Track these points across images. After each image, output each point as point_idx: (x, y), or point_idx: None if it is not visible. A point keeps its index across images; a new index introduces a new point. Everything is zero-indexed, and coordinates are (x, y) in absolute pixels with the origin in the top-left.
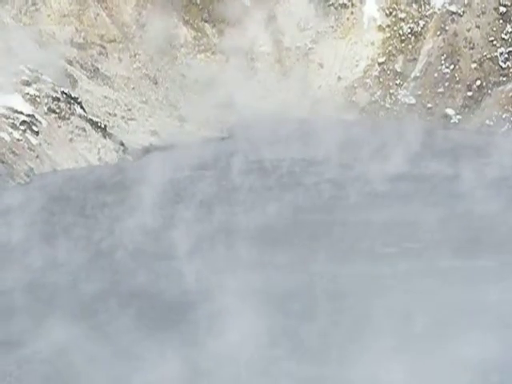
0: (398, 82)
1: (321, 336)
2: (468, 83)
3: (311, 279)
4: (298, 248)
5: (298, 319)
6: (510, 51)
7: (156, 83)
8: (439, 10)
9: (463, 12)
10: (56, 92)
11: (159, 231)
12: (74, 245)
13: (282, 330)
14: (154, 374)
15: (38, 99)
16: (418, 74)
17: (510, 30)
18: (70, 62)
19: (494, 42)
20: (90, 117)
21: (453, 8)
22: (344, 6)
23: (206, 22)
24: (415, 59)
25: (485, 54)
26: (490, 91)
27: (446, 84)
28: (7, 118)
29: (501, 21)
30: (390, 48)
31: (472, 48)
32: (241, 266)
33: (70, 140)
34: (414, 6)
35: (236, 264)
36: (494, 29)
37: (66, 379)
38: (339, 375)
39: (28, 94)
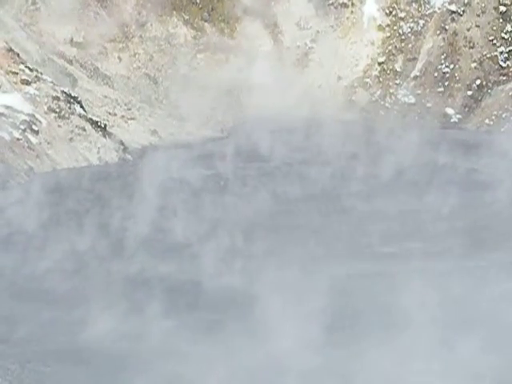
0: (397, 81)
1: (343, 334)
2: (468, 82)
3: (315, 278)
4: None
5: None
6: (509, 50)
7: (156, 83)
8: (439, 9)
9: (463, 11)
10: (56, 91)
11: (164, 223)
12: (88, 234)
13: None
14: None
15: (38, 98)
16: (417, 74)
17: (509, 30)
18: (70, 62)
19: (494, 42)
20: (89, 116)
21: (453, 7)
22: (344, 5)
23: (205, 21)
24: (415, 59)
25: (485, 53)
26: (489, 90)
27: (446, 83)
28: (7, 117)
29: (501, 20)
30: (389, 47)
31: (472, 47)
32: (245, 259)
33: (70, 139)
34: (414, 5)
35: (242, 257)
36: (494, 28)
37: (132, 367)
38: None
39: (28, 93)
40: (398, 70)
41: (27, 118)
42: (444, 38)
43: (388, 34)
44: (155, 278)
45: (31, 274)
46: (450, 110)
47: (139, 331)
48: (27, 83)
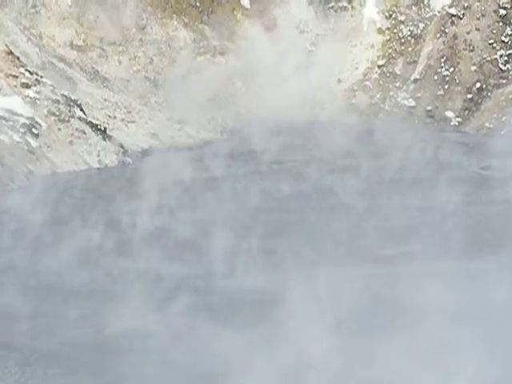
0: (397, 84)
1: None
2: (468, 86)
3: (320, 278)
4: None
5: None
6: (509, 54)
7: (156, 86)
8: (439, 12)
9: (463, 14)
10: (56, 94)
11: (167, 223)
12: (93, 234)
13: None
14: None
15: (38, 102)
16: (417, 77)
17: (509, 33)
18: (70, 65)
19: (494, 45)
20: (89, 119)
21: (452, 11)
22: (344, 8)
23: (205, 24)
24: (415, 62)
25: (484, 56)
26: (489, 94)
27: (446, 86)
28: (7, 120)
29: (500, 23)
30: (389, 51)
31: (472, 50)
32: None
33: (70, 142)
34: (414, 8)
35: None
36: (494, 31)
37: (154, 365)
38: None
39: (28, 96)
40: (398, 73)
41: (27, 122)
42: (444, 42)
43: (388, 37)
44: (166, 275)
45: (42, 271)
46: (449, 113)
47: (158, 328)
48: (27, 86)
